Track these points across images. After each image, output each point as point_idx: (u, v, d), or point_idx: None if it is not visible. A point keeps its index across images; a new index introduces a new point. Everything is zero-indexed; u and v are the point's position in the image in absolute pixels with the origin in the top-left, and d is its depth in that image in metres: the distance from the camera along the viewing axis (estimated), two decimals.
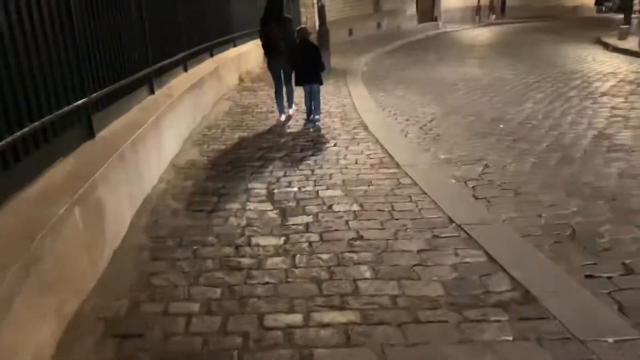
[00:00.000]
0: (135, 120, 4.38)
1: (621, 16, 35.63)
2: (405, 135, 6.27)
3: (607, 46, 15.23)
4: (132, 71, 4.69)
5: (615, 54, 13.46)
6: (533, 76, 10.05)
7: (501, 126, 6.37)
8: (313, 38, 7.21)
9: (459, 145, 5.69)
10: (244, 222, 3.76)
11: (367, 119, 6.85)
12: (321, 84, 6.47)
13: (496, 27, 28.01)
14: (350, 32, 20.40)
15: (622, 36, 16.15)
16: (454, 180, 4.62)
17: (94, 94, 3.76)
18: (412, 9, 26.79)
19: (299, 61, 6.36)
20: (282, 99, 6.75)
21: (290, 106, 6.98)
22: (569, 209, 3.88)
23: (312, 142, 5.85)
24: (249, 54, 11.21)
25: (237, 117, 7.18)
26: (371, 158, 5.21)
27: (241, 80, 10.00)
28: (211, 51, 8.77)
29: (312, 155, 5.39)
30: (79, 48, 3.52)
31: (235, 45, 10.50)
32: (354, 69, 11.94)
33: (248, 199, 4.22)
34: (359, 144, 5.74)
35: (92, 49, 3.83)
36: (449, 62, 13.00)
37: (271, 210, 3.98)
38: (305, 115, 6.74)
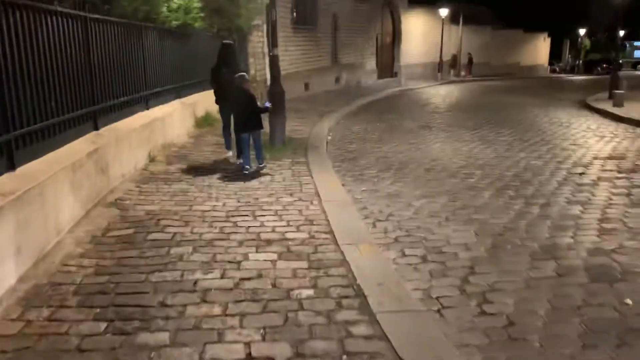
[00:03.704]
0: None
1: (574, 77, 35.59)
2: (440, 313, 3.12)
3: (605, 114, 13.16)
4: None
5: (627, 125, 11.08)
6: (570, 163, 7.22)
7: (628, 302, 3.27)
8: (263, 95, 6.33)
9: None
10: None
11: (358, 268, 3.61)
12: (261, 128, 6.30)
13: (460, 85, 26.16)
14: (307, 87, 17.56)
15: (618, 102, 14.15)
16: None
17: None
18: (371, 64, 24.56)
19: (235, 110, 6.33)
20: (229, 135, 6.91)
21: (239, 157, 6.58)
22: None
23: None
24: (170, 118, 7.89)
25: (111, 256, 3.73)
26: None
27: (152, 160, 6.62)
28: (95, 120, 5.42)
29: None
30: None
31: (147, 108, 7.19)
32: (317, 139, 8.85)
33: None
34: None
35: None
36: (437, 132, 10.14)
37: None
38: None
